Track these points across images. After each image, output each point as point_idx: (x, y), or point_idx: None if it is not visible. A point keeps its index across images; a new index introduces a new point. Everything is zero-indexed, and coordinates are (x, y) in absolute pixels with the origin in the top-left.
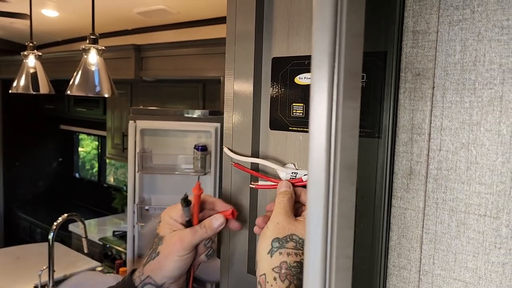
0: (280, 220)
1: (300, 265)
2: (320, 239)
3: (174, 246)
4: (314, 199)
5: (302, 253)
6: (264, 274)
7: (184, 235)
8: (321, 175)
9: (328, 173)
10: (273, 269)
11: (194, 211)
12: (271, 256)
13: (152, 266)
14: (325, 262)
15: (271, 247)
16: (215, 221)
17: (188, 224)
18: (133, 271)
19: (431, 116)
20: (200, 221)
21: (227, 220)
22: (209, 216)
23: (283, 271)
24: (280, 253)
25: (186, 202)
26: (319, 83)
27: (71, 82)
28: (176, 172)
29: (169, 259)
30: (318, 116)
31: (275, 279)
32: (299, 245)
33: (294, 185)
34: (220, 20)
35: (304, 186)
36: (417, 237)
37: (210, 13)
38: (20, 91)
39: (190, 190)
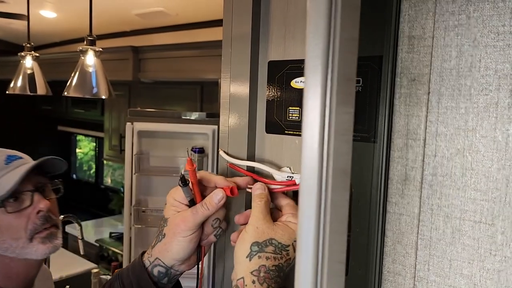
0: (259, 224)
1: (278, 268)
2: (312, 243)
3: (178, 227)
4: (307, 204)
5: (281, 257)
6: (243, 277)
7: (186, 215)
8: (313, 180)
9: (320, 178)
10: (251, 272)
11: (195, 189)
12: (250, 260)
13: (159, 248)
14: (317, 267)
15: (250, 250)
16: (215, 197)
17: (192, 203)
18: (143, 253)
19: (426, 122)
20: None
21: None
22: None
23: (261, 274)
24: (259, 257)
25: (183, 181)
26: (313, 88)
27: (68, 83)
28: (173, 174)
29: (175, 240)
30: (311, 121)
31: (253, 282)
32: (278, 250)
33: (270, 189)
34: (219, 23)
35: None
36: (412, 243)
37: (208, 16)
38: (17, 92)
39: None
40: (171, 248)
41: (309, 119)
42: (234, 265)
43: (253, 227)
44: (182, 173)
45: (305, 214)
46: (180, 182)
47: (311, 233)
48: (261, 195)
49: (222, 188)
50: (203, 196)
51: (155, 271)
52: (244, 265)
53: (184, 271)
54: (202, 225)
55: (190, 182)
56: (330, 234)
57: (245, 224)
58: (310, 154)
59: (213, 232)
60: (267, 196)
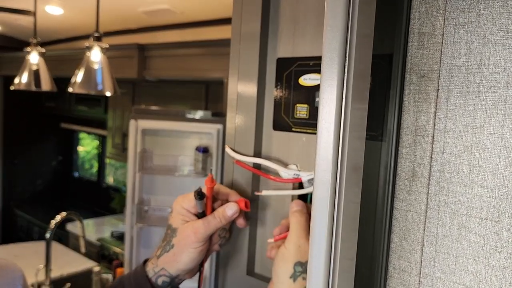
0: (302, 243)
1: None
2: (325, 240)
3: (189, 238)
4: (320, 200)
5: None
6: None
7: (198, 227)
8: (328, 176)
9: (335, 174)
10: None
11: (208, 203)
12: (294, 281)
13: (167, 258)
14: (329, 263)
15: (293, 271)
16: (229, 210)
17: (201, 215)
18: (145, 261)
19: (435, 118)
20: (213, 210)
21: (240, 210)
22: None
23: None
24: (304, 278)
25: (200, 195)
26: (329, 81)
27: (73, 80)
28: (177, 173)
29: (185, 252)
30: (327, 115)
31: None
32: None
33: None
34: (225, 21)
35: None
36: (418, 240)
37: (214, 14)
38: (22, 88)
39: (190, 191)
40: (180, 259)
41: (325, 112)
42: (275, 283)
43: (295, 245)
44: (200, 187)
45: (318, 209)
46: (196, 195)
47: (325, 228)
48: (301, 211)
49: (235, 201)
50: (213, 208)
51: (160, 280)
52: (288, 286)
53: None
54: (210, 235)
55: (206, 197)
56: (343, 231)
57: (280, 236)
58: (325, 148)
59: (218, 242)
60: (307, 213)
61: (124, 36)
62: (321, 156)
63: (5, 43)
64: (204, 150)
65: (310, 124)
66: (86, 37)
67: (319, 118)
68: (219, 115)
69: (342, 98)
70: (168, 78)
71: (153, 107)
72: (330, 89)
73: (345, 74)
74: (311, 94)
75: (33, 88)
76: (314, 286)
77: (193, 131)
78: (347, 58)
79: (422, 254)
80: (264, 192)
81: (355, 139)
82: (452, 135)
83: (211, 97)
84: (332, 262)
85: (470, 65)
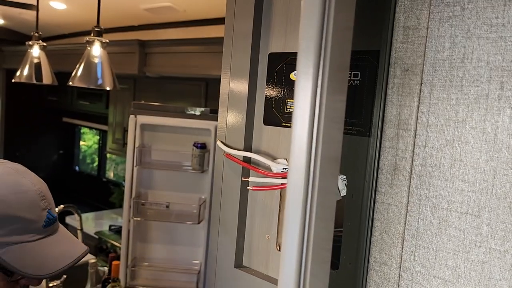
0: None
1: None
2: (298, 228)
3: None
4: (294, 187)
5: None
6: None
7: None
8: (302, 163)
9: (308, 162)
10: None
11: None
12: None
13: None
14: (301, 253)
15: None
16: None
17: None
18: None
19: (417, 112)
20: None
21: None
22: None
23: None
24: None
25: None
26: (305, 69)
27: (73, 74)
28: (174, 169)
29: None
30: (302, 102)
31: None
32: None
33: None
34: None
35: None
36: (399, 233)
37: (216, 13)
38: (23, 80)
39: (188, 186)
40: None
41: (300, 102)
42: None
43: None
44: None
45: (291, 199)
46: None
47: (298, 217)
48: None
49: None
50: None
51: None
52: None
53: None
54: None
55: None
56: (316, 220)
57: None
58: (300, 136)
59: None
60: None
61: (126, 33)
62: (296, 144)
63: (8, 37)
64: (201, 146)
65: None
66: (88, 32)
67: (295, 106)
68: (217, 112)
69: (317, 87)
70: (169, 75)
71: (153, 103)
72: (305, 76)
73: (321, 64)
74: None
75: (34, 81)
76: (286, 275)
77: (191, 127)
78: (323, 48)
79: (402, 247)
80: (251, 179)
81: (332, 129)
82: (435, 129)
83: (210, 95)
84: (305, 251)
85: (454, 59)
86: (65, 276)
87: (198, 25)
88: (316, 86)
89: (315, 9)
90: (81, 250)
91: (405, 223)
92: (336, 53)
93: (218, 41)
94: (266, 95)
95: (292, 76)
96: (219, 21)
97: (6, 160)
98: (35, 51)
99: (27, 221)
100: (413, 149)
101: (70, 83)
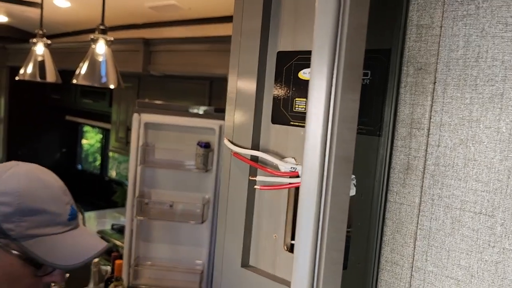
0: None
1: None
2: (312, 229)
3: None
4: (307, 187)
5: None
6: None
7: None
8: (315, 165)
9: (323, 162)
10: None
11: None
12: None
13: None
14: (315, 255)
15: None
16: None
17: None
18: None
19: (431, 111)
20: None
21: None
22: None
23: None
24: None
25: None
26: (319, 67)
27: (77, 71)
28: (178, 168)
29: None
30: (316, 101)
31: None
32: None
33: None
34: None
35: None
36: (411, 233)
37: (221, 11)
38: (27, 78)
39: (191, 186)
40: None
41: (314, 101)
42: None
43: None
44: None
45: (305, 199)
46: None
47: (311, 218)
48: None
49: None
50: None
51: None
52: None
53: None
54: None
55: None
56: (330, 221)
57: None
58: (314, 135)
59: None
60: None
61: (130, 31)
62: (309, 143)
63: (12, 34)
64: (205, 145)
65: None
66: (92, 31)
67: (308, 104)
68: (222, 111)
69: (331, 85)
70: (173, 73)
71: (157, 102)
72: (319, 75)
73: (336, 62)
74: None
75: (38, 79)
76: (300, 276)
77: (195, 126)
78: (337, 46)
79: (414, 247)
80: (258, 178)
81: (345, 129)
82: (448, 128)
83: (215, 94)
84: (318, 252)
85: (468, 58)
86: (67, 274)
87: (202, 23)
88: (331, 85)
89: (330, 6)
90: (103, 244)
91: (418, 223)
92: (350, 51)
93: (223, 39)
94: (274, 94)
95: (301, 74)
96: (224, 19)
97: (20, 161)
98: (39, 49)
99: (54, 214)
100: (426, 148)
101: (74, 81)
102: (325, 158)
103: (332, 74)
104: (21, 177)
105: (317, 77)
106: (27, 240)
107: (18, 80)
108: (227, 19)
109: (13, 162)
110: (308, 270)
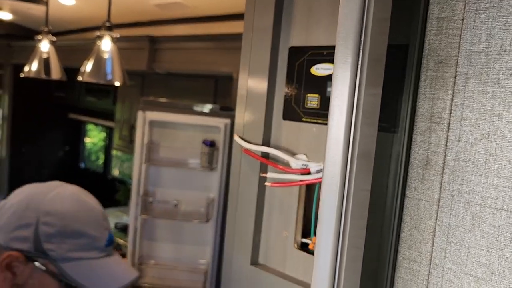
0: None
1: None
2: (333, 229)
3: None
4: (329, 189)
5: None
6: None
7: None
8: (338, 162)
9: (345, 161)
10: None
11: None
12: None
13: None
14: (336, 252)
15: None
16: None
17: None
18: None
19: (451, 106)
20: None
21: None
22: None
23: None
24: None
25: None
26: (343, 58)
27: (83, 69)
28: (183, 166)
29: None
30: (339, 93)
31: None
32: None
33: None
34: (236, 17)
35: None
36: (429, 229)
37: (226, 9)
38: (32, 75)
39: (196, 185)
40: None
41: (337, 91)
42: None
43: None
44: None
45: (327, 198)
46: None
47: (333, 217)
48: None
49: None
50: None
51: None
52: None
53: None
54: None
55: None
56: (351, 219)
57: None
58: (337, 129)
59: None
60: None
61: (135, 28)
62: (332, 137)
63: (17, 32)
64: (211, 144)
65: (321, 114)
66: (97, 28)
67: (331, 97)
68: (227, 110)
69: (356, 77)
70: (178, 72)
71: (162, 100)
72: (344, 66)
73: (360, 53)
74: (323, 84)
75: (43, 76)
76: (320, 274)
77: (201, 124)
78: (362, 38)
79: (433, 244)
80: (269, 174)
81: (366, 125)
82: (469, 122)
83: (219, 92)
84: (340, 251)
85: (490, 51)
86: None
87: (208, 21)
88: (356, 76)
89: (354, 3)
90: (134, 274)
91: (436, 219)
92: (374, 44)
93: (228, 37)
94: (285, 90)
95: (314, 70)
96: (229, 17)
97: (63, 182)
98: (45, 46)
99: (93, 238)
100: (446, 143)
101: (80, 78)
102: (348, 153)
103: (357, 66)
104: (65, 199)
105: (341, 67)
106: (66, 262)
107: (22, 78)
108: (232, 17)
109: (57, 183)
110: (329, 266)
